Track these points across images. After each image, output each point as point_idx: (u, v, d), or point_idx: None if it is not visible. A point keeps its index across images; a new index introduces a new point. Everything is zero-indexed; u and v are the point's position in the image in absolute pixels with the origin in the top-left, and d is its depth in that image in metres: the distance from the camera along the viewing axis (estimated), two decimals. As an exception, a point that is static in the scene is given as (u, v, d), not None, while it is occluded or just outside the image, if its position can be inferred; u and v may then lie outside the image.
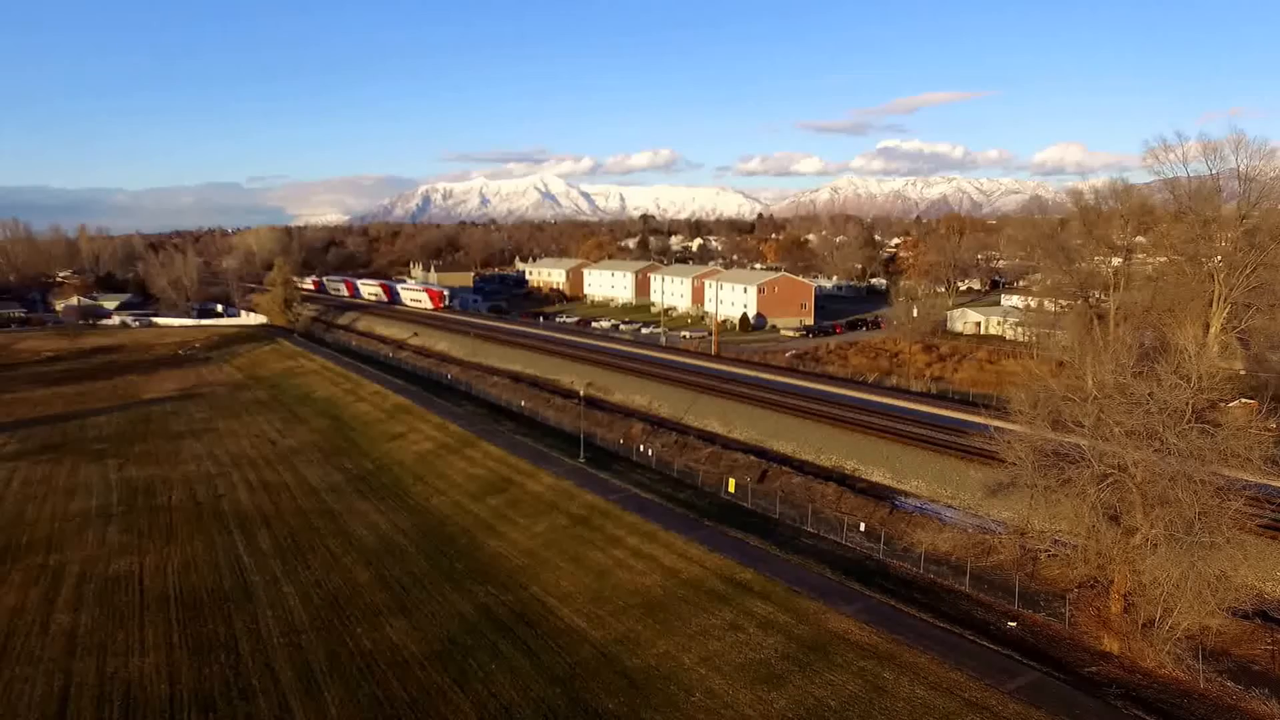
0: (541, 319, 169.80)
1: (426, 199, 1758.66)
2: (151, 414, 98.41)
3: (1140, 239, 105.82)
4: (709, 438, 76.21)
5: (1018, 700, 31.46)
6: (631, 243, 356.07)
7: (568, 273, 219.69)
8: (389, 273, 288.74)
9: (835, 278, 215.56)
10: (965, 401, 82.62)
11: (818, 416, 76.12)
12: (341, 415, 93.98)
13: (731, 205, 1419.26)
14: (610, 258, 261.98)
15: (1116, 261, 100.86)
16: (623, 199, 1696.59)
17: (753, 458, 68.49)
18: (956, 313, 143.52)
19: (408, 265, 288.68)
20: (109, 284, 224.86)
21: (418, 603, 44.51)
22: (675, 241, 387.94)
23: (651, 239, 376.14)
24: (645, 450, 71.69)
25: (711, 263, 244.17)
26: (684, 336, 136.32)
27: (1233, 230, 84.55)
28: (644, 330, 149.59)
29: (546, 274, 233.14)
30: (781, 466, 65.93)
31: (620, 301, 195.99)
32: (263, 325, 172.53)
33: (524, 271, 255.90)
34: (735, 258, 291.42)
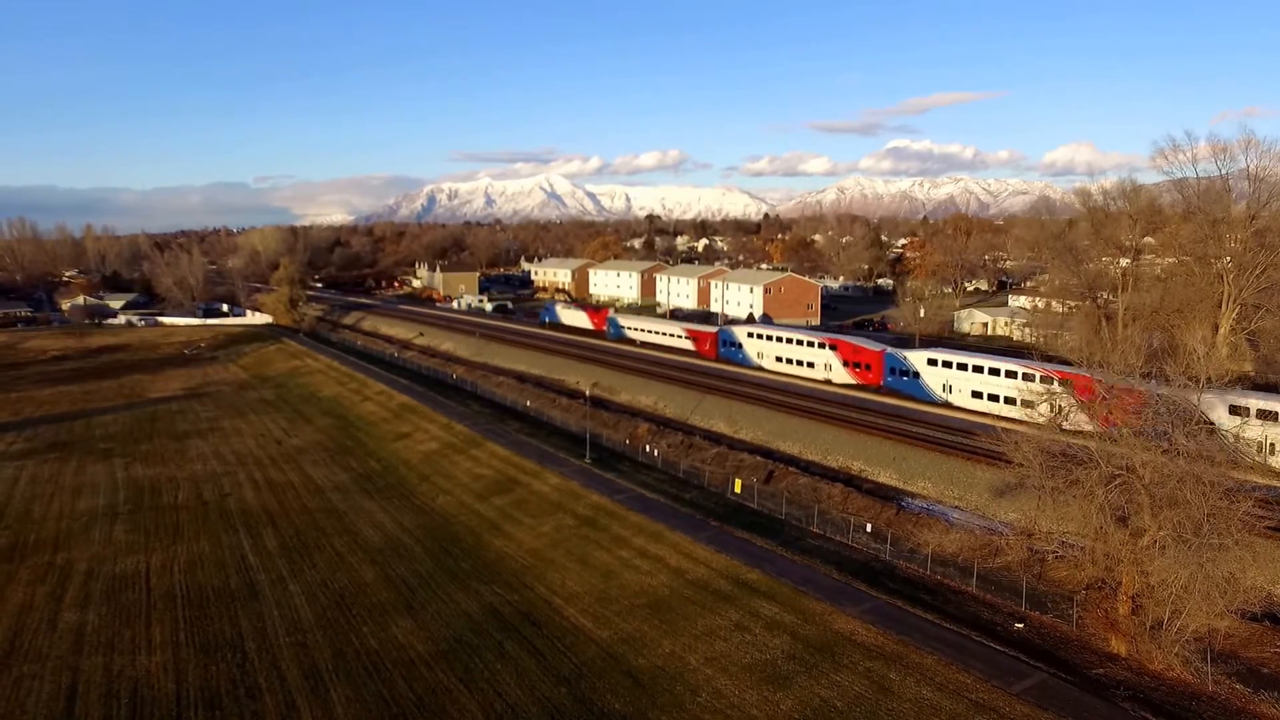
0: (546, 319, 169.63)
1: (432, 199, 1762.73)
2: (158, 413, 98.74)
3: (1149, 239, 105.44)
4: (715, 438, 76.12)
5: (1025, 702, 31.35)
6: (637, 243, 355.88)
7: (573, 273, 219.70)
8: (393, 273, 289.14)
9: (841, 278, 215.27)
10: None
11: (824, 417, 75.99)
12: (347, 415, 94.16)
13: (737, 205, 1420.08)
14: (616, 258, 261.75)
15: (1125, 262, 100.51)
16: (628, 199, 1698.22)
17: (759, 458, 68.39)
18: (964, 313, 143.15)
19: (413, 265, 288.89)
20: (115, 283, 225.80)
21: (424, 602, 44.54)
22: (681, 242, 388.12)
23: (657, 239, 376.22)
24: (651, 451, 71.63)
25: (717, 263, 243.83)
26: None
27: (1242, 231, 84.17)
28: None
29: (552, 274, 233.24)
30: (788, 467, 65.83)
31: (626, 301, 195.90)
32: (268, 325, 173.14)
33: (529, 272, 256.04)
34: (741, 258, 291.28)
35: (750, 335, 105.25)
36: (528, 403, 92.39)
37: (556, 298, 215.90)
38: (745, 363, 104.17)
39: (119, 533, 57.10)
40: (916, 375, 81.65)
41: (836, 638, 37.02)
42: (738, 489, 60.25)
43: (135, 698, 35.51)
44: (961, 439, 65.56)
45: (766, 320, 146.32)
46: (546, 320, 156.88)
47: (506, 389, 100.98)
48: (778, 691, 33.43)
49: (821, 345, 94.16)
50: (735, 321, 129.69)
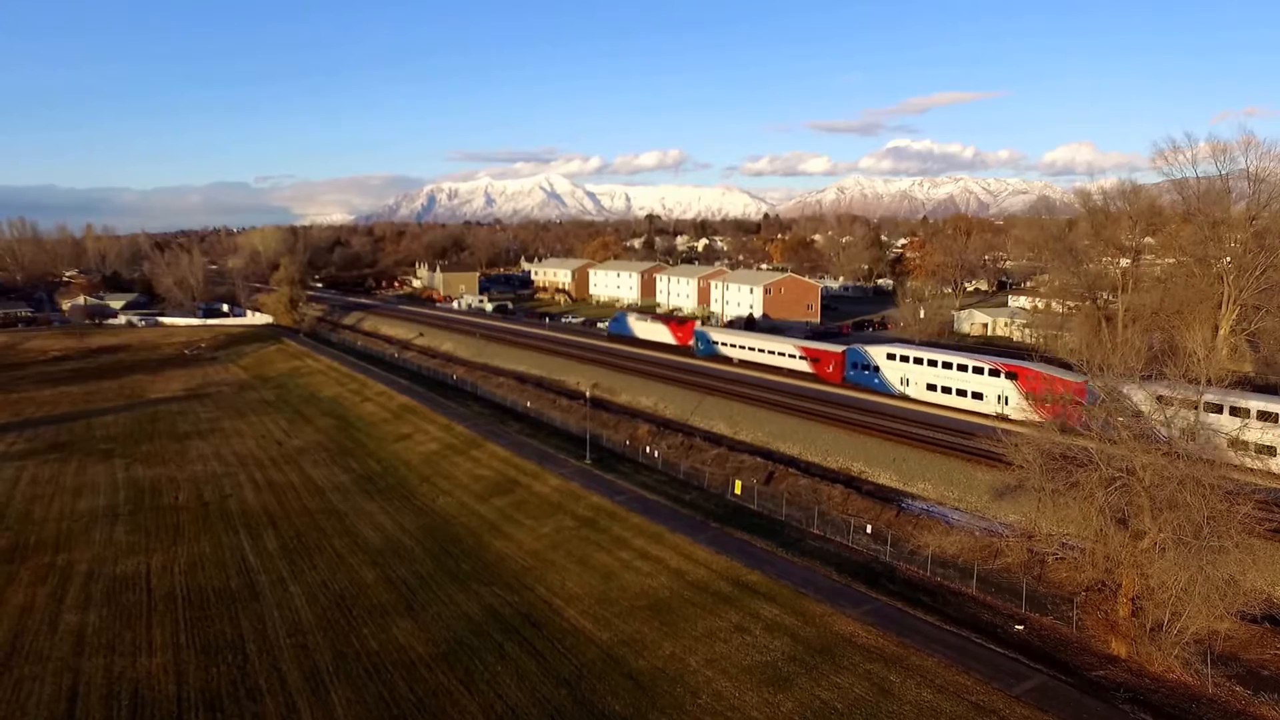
0: (547, 319, 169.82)
1: (432, 198, 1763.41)
2: (158, 414, 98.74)
3: (1149, 240, 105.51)
4: (715, 439, 76.15)
5: (1025, 704, 31.39)
6: (637, 243, 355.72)
7: (573, 273, 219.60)
8: (394, 273, 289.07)
9: (841, 278, 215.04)
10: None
11: (824, 418, 76.02)
12: (347, 415, 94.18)
13: (737, 205, 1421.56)
14: (616, 258, 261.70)
15: (1125, 263, 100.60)
16: (628, 199, 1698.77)
17: (759, 459, 68.41)
18: (964, 314, 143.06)
19: (413, 265, 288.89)
20: (115, 283, 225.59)
21: (424, 603, 44.57)
22: (681, 242, 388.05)
23: (657, 239, 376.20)
24: (651, 452, 71.65)
25: (717, 263, 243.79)
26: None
27: (1242, 231, 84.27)
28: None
29: (552, 274, 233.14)
30: (788, 468, 65.86)
31: (626, 302, 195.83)
32: (268, 325, 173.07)
33: (530, 272, 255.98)
34: (741, 258, 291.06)
35: (891, 357, 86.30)
36: (528, 403, 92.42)
37: (559, 301, 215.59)
38: (883, 389, 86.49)
39: (119, 534, 57.11)
40: (1138, 415, 63.10)
41: (837, 639, 37.05)
42: (738, 490, 60.27)
43: (136, 699, 35.53)
44: (961, 440, 65.59)
45: (767, 320, 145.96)
46: (614, 333, 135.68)
47: (507, 389, 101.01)
48: (778, 693, 33.46)
49: (994, 373, 75.52)
50: (871, 339, 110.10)
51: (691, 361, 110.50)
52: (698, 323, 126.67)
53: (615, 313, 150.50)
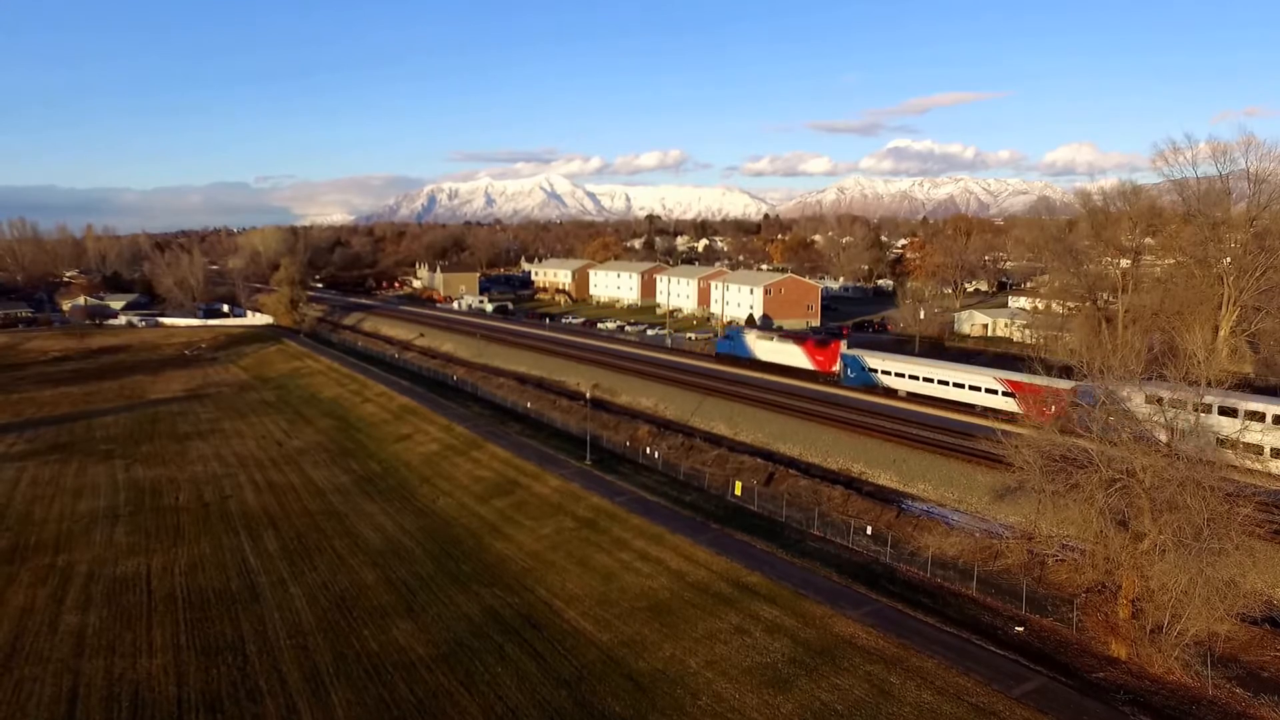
0: (547, 320, 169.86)
1: (432, 199, 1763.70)
2: (159, 414, 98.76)
3: (1149, 241, 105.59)
4: (715, 440, 76.14)
5: (1025, 705, 31.38)
6: (637, 243, 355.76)
7: (574, 273, 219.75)
8: (394, 273, 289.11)
9: (842, 279, 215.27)
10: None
11: (824, 419, 76.01)
12: (348, 416, 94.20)
13: (738, 205, 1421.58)
14: (616, 258, 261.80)
15: (1125, 263, 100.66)
16: (628, 199, 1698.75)
17: (759, 460, 68.40)
18: (964, 314, 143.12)
19: (413, 266, 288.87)
20: (116, 284, 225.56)
21: (424, 605, 44.58)
22: (681, 242, 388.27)
23: (657, 239, 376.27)
24: (651, 452, 71.65)
25: (717, 263, 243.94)
26: (689, 338, 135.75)
27: (1242, 232, 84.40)
28: (649, 332, 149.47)
29: (553, 275, 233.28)
30: (788, 469, 65.84)
31: (626, 302, 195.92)
32: (269, 325, 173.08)
33: (530, 272, 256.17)
34: (741, 259, 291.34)
35: (1153, 399, 52.14)
36: (528, 404, 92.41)
37: (559, 301, 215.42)
38: None
39: (120, 535, 57.11)
40: None
41: (837, 641, 37.05)
42: (738, 491, 60.27)
43: (136, 700, 35.54)
44: (961, 441, 65.56)
45: (767, 322, 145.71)
46: (725, 353, 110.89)
47: (507, 390, 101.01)
48: (778, 695, 33.46)
49: None
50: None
51: (837, 392, 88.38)
52: (843, 344, 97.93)
53: (727, 328, 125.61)
